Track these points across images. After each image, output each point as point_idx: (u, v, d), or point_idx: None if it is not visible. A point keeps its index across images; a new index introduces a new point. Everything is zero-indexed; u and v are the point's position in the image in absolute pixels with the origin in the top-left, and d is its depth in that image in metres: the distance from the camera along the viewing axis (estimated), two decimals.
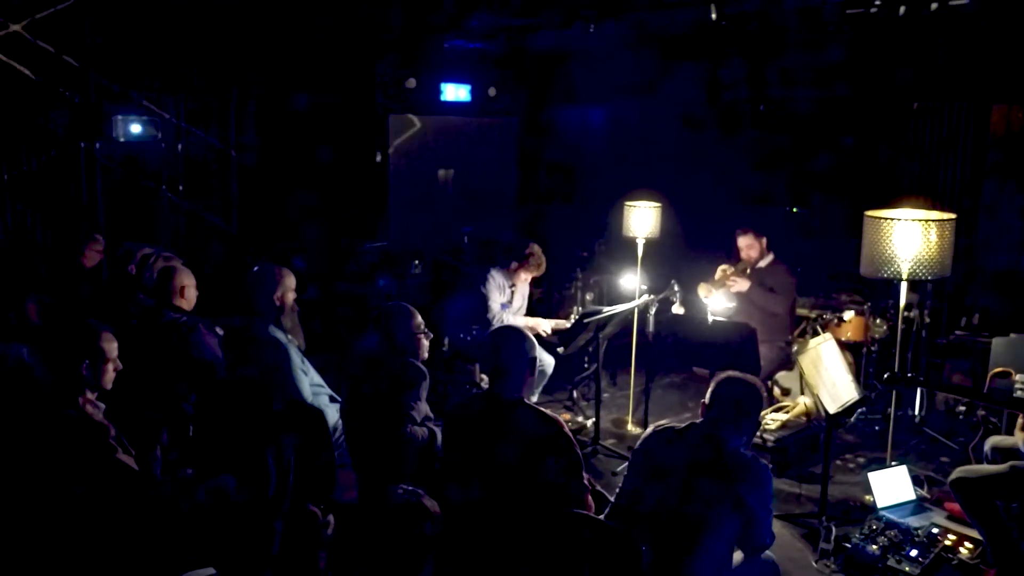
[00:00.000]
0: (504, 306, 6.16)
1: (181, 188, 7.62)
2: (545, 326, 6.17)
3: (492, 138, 10.43)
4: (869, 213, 4.71)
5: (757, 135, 8.68)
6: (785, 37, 8.09)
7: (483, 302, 6.07)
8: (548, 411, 2.99)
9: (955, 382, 6.59)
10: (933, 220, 4.53)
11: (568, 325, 5.92)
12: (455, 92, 9.93)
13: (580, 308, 6.74)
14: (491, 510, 2.82)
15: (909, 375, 4.28)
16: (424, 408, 3.34)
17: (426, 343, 3.53)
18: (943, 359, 6.67)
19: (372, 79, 9.11)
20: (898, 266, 4.54)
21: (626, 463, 5.41)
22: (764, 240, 6.11)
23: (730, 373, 3.01)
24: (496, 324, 6.09)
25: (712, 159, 8.83)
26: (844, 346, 6.07)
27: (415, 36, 8.99)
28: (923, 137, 7.57)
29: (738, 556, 2.92)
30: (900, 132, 7.69)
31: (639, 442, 3.05)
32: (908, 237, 4.53)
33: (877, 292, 6.77)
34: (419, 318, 3.52)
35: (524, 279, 6.20)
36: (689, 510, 2.73)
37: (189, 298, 4.56)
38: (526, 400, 3.01)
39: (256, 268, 4.25)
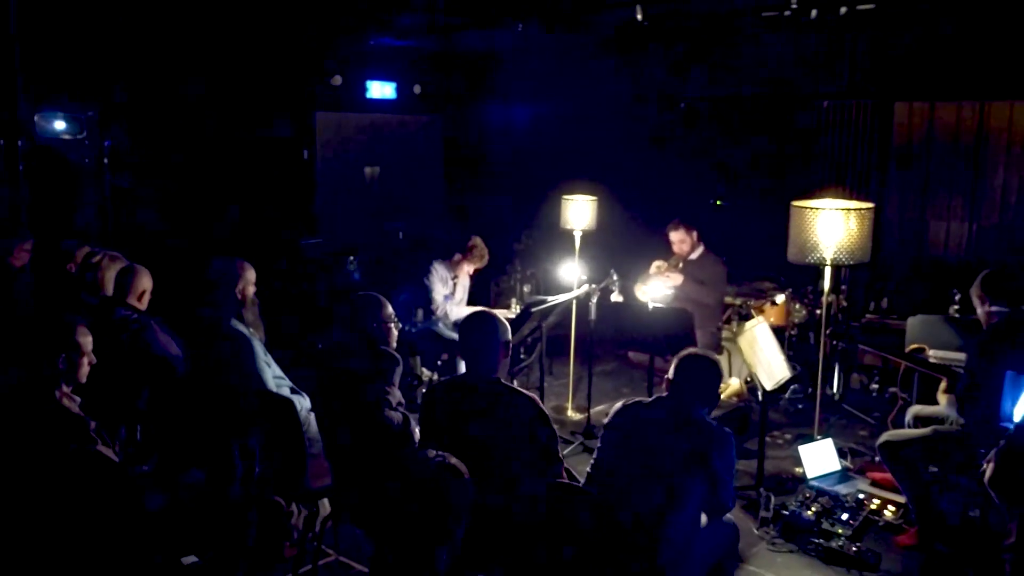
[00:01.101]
0: (447, 297, 6.29)
1: (107, 184, 7.46)
2: None
3: (418, 135, 10.52)
4: (795, 203, 5.02)
5: (678, 131, 9.02)
6: (704, 38, 8.48)
7: (426, 294, 6.18)
8: (523, 389, 3.15)
9: (866, 362, 7.07)
10: (853, 209, 4.87)
11: (511, 315, 6.09)
12: (381, 90, 9.98)
13: (518, 300, 6.91)
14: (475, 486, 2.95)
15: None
16: (398, 394, 3.45)
17: (395, 332, 3.64)
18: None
19: (298, 76, 9.08)
20: (822, 252, 4.86)
21: (571, 446, 5.65)
22: (695, 234, 6.36)
23: (691, 350, 3.24)
24: (440, 315, 6.22)
25: (635, 154, 9.14)
26: None
27: (341, 34, 9.00)
28: (832, 133, 8.03)
29: (703, 519, 3.15)
30: (811, 128, 8.14)
31: (609, 417, 3.24)
32: (830, 225, 4.84)
33: (793, 280, 7.17)
34: (389, 308, 3.63)
35: (467, 271, 6.34)
36: (662, 475, 2.94)
37: (144, 300, 4.54)
38: (502, 380, 3.16)
39: (217, 263, 4.27)
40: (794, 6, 6.73)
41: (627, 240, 7.62)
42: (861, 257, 4.89)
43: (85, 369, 3.15)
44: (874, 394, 6.82)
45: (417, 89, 10.13)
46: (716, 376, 3.16)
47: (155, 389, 4.38)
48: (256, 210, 8.54)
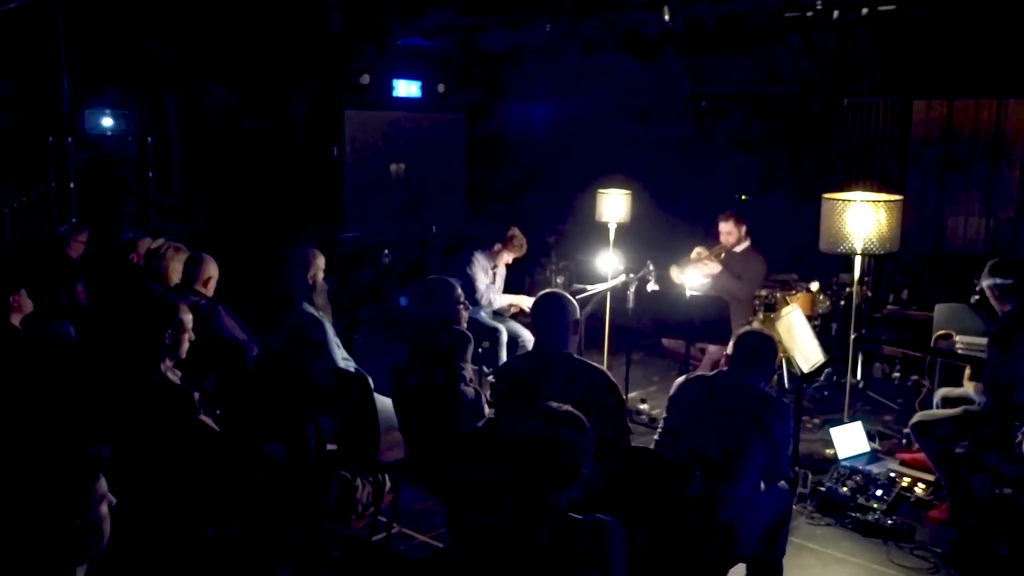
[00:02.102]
0: (488, 286, 6.52)
1: (151, 177, 7.70)
2: (527, 302, 6.55)
3: (441, 133, 10.76)
4: (827, 195, 5.25)
5: (700, 129, 9.25)
6: (725, 37, 8.70)
7: (469, 283, 6.40)
8: (594, 363, 3.39)
9: (887, 352, 7.30)
10: (882, 201, 5.10)
11: None
12: (406, 88, 10.21)
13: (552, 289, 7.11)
14: None
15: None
16: (470, 370, 3.68)
17: (465, 314, 3.87)
18: (877, 331, 7.36)
19: (329, 75, 9.32)
20: (852, 242, 5.08)
21: None
22: (744, 228, 6.48)
23: (748, 328, 3.48)
24: (484, 303, 6.46)
25: (658, 151, 9.35)
26: None
27: (371, 33, 9.25)
28: (852, 131, 8.27)
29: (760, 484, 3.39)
30: (832, 126, 8.37)
31: (673, 390, 3.47)
32: (861, 216, 5.07)
33: (813, 272, 7.41)
34: (459, 290, 3.86)
35: (506, 260, 6.56)
36: (726, 443, 3.17)
37: (209, 286, 4.78)
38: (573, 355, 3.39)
39: (290, 250, 4.50)
40: (818, 7, 6.95)
41: (653, 232, 7.83)
42: (890, 247, 5.10)
43: (186, 345, 3.40)
44: (896, 382, 7.04)
45: (441, 88, 10.36)
46: (772, 351, 3.40)
47: (222, 371, 4.62)
48: (289, 204, 8.80)
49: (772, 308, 6.87)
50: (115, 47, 7.35)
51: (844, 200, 5.12)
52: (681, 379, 3.48)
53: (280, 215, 8.64)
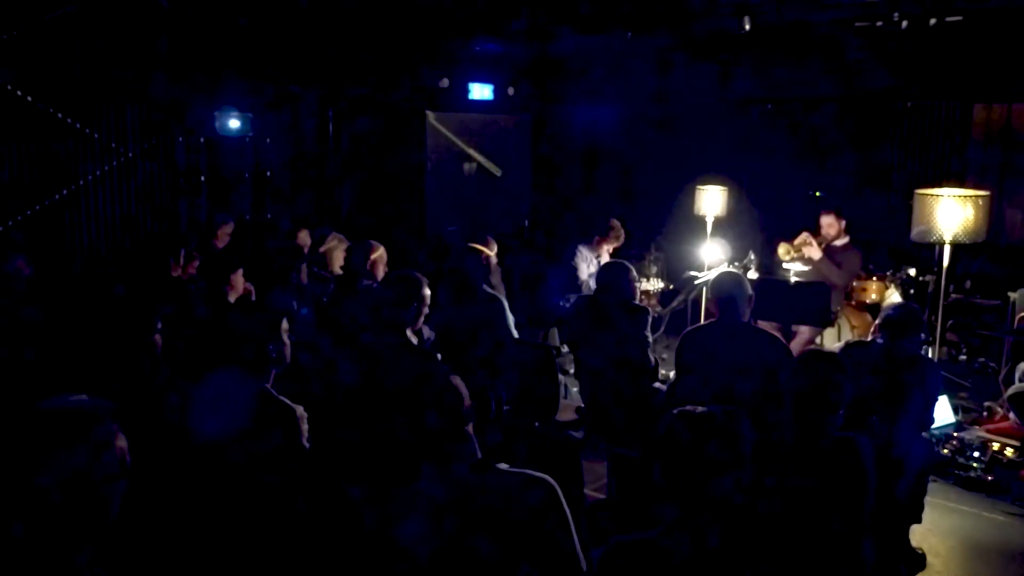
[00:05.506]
0: (591, 275, 7.12)
1: (269, 176, 8.29)
2: None
3: (510, 133, 11.37)
4: (919, 191, 5.84)
5: (763, 133, 9.82)
6: (793, 44, 9.27)
7: (572, 273, 7.00)
8: (772, 332, 4.00)
9: (948, 338, 7.88)
10: (970, 196, 5.69)
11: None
12: (480, 91, 10.81)
13: (656, 276, 7.68)
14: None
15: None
16: (650, 338, 4.29)
17: (639, 291, 4.48)
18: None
19: (414, 80, 9.93)
20: (942, 233, 5.67)
21: None
22: (843, 223, 6.97)
23: (894, 302, 4.10)
24: (585, 291, 7.05)
25: (724, 152, 9.91)
26: (865, 306, 7.26)
27: (452, 38, 9.84)
28: (914, 131, 8.86)
29: None
30: (895, 127, 8.96)
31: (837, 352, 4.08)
32: (951, 210, 5.65)
33: (885, 263, 7.98)
34: (634, 271, 4.48)
35: (607, 250, 7.15)
36: (890, 394, 3.78)
37: (380, 269, 5.37)
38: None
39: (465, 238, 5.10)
40: (894, 18, 7.51)
41: (734, 227, 8.39)
42: (977, 237, 5.68)
43: (422, 317, 3.99)
44: (962, 364, 7.63)
45: (511, 91, 10.96)
46: (917, 318, 4.01)
47: None
48: (382, 201, 9.41)
49: (849, 297, 7.46)
50: (237, 53, 7.93)
51: (935, 195, 5.71)
52: (840, 344, 4.09)
53: (375, 211, 9.24)
